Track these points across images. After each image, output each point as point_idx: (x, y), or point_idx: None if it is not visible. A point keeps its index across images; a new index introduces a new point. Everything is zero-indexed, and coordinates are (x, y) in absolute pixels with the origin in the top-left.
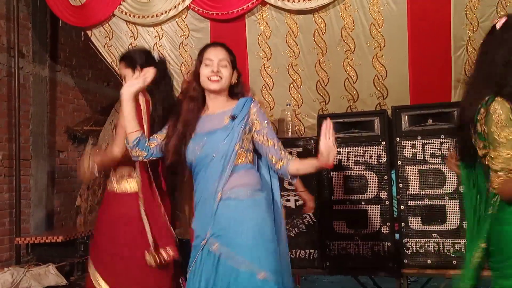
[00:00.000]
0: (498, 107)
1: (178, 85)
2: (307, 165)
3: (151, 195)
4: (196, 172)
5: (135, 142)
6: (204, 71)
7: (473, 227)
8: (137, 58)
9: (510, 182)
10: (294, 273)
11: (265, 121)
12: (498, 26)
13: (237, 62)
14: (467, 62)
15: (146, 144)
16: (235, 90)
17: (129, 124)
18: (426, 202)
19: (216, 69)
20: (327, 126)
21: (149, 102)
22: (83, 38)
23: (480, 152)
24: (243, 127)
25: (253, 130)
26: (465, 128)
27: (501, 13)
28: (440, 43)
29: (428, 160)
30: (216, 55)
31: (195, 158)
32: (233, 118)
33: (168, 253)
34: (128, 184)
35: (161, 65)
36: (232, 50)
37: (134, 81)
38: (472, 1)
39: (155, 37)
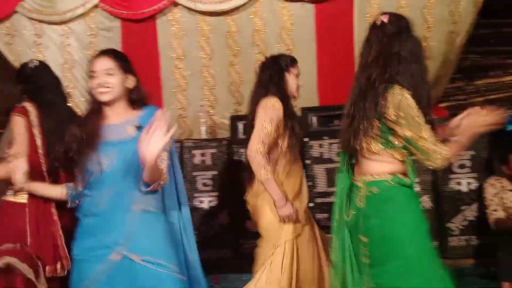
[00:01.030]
0: (404, 93)
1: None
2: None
3: (43, 208)
4: (95, 185)
5: (72, 199)
6: (91, 84)
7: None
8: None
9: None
10: (210, 273)
11: None
12: (385, 20)
13: (148, 62)
14: None
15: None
16: (133, 96)
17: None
18: (333, 199)
19: (101, 80)
20: (158, 118)
21: (39, 114)
22: None
23: (374, 133)
24: None
25: None
26: (355, 121)
27: None
28: (344, 47)
29: (334, 159)
30: (100, 66)
31: (101, 169)
32: (139, 129)
33: (44, 271)
34: (25, 195)
35: (36, 77)
36: (123, 54)
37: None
38: (372, 8)
39: (62, 35)
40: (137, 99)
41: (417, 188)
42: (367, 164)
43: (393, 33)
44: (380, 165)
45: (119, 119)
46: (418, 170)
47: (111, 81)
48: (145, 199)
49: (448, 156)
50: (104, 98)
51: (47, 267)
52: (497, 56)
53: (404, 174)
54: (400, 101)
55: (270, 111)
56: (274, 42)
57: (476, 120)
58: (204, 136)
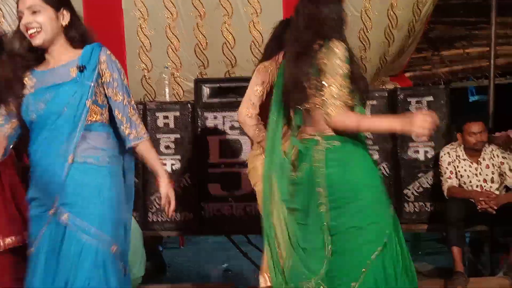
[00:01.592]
0: (338, 44)
1: None
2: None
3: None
4: (36, 133)
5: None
6: (20, 27)
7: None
8: None
9: (343, 114)
10: (174, 235)
11: (116, 73)
12: None
13: (111, 21)
14: None
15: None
16: (71, 34)
17: None
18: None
19: (26, 20)
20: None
21: None
22: None
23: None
24: (95, 78)
25: (103, 82)
26: (300, 82)
27: None
28: None
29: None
30: (24, 3)
31: (36, 115)
32: (80, 69)
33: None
34: None
35: None
36: None
37: None
38: None
39: None
40: (76, 36)
41: (375, 156)
42: (322, 120)
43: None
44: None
45: (58, 62)
46: (378, 138)
47: (38, 19)
48: (86, 149)
49: (339, 118)
50: (35, 41)
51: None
52: (465, 27)
53: None
54: (331, 49)
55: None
56: (241, 4)
57: None
58: (167, 98)
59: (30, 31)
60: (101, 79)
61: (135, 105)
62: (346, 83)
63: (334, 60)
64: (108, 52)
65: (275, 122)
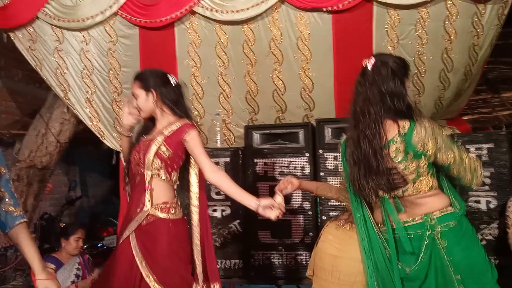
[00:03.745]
0: (425, 123)
1: (107, 92)
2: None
3: None
4: None
5: None
6: None
7: None
8: (152, 80)
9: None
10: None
11: None
12: (369, 67)
13: (166, 69)
14: None
15: None
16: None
17: None
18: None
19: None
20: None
21: None
22: (6, 40)
23: (422, 172)
24: None
25: None
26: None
27: (420, 31)
28: (362, 58)
29: None
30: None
31: None
32: None
33: None
34: None
35: (177, 90)
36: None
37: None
38: (392, 19)
39: (81, 42)
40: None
41: None
42: (427, 202)
43: (379, 77)
44: (439, 198)
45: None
46: None
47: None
48: None
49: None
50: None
51: None
52: None
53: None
54: (432, 131)
55: None
56: (291, 52)
57: None
58: (219, 144)
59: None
60: None
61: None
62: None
63: (439, 137)
64: None
65: None
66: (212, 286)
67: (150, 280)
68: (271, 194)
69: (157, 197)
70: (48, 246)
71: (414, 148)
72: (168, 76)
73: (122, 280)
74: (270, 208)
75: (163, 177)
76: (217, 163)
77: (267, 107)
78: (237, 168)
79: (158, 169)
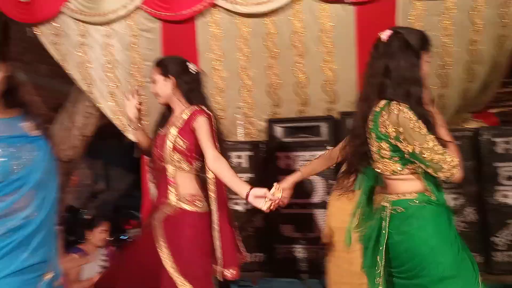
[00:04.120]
0: (400, 107)
1: (129, 86)
2: None
3: None
4: None
5: None
6: None
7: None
8: (172, 67)
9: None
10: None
11: None
12: (384, 38)
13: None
14: None
15: None
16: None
17: None
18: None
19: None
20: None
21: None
22: (31, 35)
23: (384, 154)
24: None
25: None
26: (359, 136)
27: (445, 22)
28: None
29: None
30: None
31: None
32: None
33: None
34: None
35: (196, 77)
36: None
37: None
38: (417, 10)
39: (104, 36)
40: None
41: (460, 199)
42: (391, 184)
43: (389, 51)
44: (404, 183)
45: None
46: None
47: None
48: None
49: (457, 162)
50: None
51: None
52: None
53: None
54: (397, 116)
55: None
56: (313, 44)
57: None
58: (241, 138)
59: None
60: None
61: None
62: (432, 140)
63: (407, 124)
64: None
65: None
66: (227, 270)
67: (173, 270)
68: (294, 188)
69: (182, 189)
70: (73, 238)
71: (377, 129)
72: (188, 63)
73: (145, 269)
74: (262, 198)
75: (186, 168)
76: (239, 157)
77: (289, 100)
78: (259, 161)
79: (179, 162)
